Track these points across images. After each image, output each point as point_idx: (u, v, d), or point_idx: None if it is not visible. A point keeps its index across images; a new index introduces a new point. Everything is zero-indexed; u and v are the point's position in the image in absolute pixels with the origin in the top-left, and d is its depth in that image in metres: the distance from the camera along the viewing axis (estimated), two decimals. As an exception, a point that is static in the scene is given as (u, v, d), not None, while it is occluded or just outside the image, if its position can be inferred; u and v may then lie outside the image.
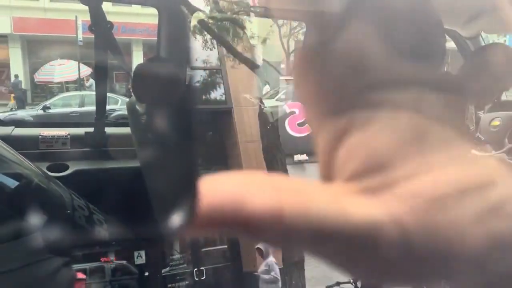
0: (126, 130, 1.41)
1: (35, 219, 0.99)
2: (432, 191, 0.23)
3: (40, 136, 1.52)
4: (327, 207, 0.21)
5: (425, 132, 0.26)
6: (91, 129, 1.56)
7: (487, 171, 0.25)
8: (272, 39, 10.45)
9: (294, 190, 0.22)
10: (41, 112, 8.22)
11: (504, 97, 2.79)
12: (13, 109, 9.81)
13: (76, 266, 0.92)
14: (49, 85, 11.93)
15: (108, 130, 1.58)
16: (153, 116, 0.71)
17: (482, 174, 0.25)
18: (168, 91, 0.66)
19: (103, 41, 1.40)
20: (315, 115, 0.28)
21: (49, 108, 8.40)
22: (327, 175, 0.26)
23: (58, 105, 8.64)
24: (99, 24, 1.37)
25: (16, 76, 11.33)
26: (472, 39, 1.29)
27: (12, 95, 10.95)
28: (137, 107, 0.86)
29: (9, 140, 1.41)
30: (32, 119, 7.48)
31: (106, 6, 1.62)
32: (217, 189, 0.21)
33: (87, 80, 10.88)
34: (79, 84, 10.87)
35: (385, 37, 0.31)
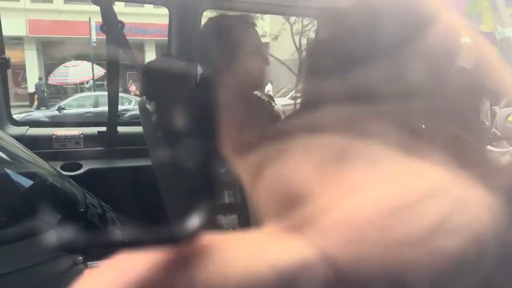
0: (139, 129, 1.42)
1: (48, 218, 1.00)
2: (356, 217, 0.21)
3: (54, 136, 1.54)
4: (249, 266, 0.19)
5: (346, 153, 0.24)
6: (103, 129, 1.57)
7: (425, 185, 0.23)
8: (284, 37, 10.42)
9: (211, 262, 0.19)
10: (56, 112, 8.36)
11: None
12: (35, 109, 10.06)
13: (91, 264, 0.93)
14: (64, 86, 12.09)
15: (121, 129, 1.59)
16: (162, 114, 0.72)
17: (417, 188, 0.22)
18: (175, 88, 0.66)
19: (114, 40, 1.40)
20: (237, 148, 0.27)
21: (64, 108, 8.53)
22: (255, 208, 0.25)
23: (73, 105, 8.77)
24: (111, 24, 1.38)
25: (40, 79, 11.60)
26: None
27: (36, 96, 11.18)
28: (148, 106, 0.86)
29: (24, 140, 1.43)
30: (47, 119, 7.60)
31: (118, 7, 1.62)
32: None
33: (87, 82, 11.10)
34: (93, 84, 11.01)
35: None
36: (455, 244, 0.21)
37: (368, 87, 0.30)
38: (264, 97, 1.17)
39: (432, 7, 0.31)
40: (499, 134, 1.94)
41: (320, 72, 0.32)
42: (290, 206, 0.23)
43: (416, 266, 0.21)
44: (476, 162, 0.31)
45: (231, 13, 1.75)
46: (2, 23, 1.47)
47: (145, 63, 0.65)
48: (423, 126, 0.30)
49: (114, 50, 1.46)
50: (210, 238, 0.20)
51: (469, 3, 3.36)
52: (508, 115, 2.45)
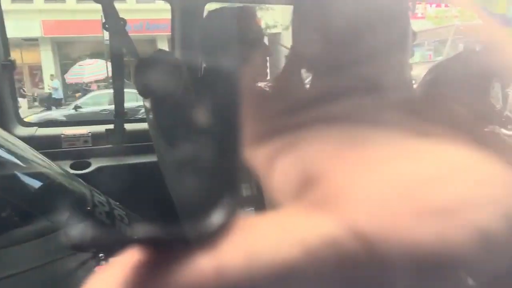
0: (146, 125, 1.42)
1: (56, 217, 1.01)
2: (382, 189, 0.20)
3: (62, 135, 1.56)
4: (276, 245, 0.19)
5: (361, 138, 0.24)
6: (111, 126, 1.58)
7: (448, 160, 0.22)
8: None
9: (234, 243, 0.19)
10: (73, 111, 8.49)
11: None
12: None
13: (102, 261, 0.94)
14: (80, 85, 12.26)
15: (128, 126, 1.60)
16: (155, 112, 0.71)
17: (440, 163, 0.22)
18: (171, 84, 0.64)
19: (117, 38, 1.41)
20: (249, 141, 0.27)
21: (80, 107, 8.66)
22: (272, 198, 0.25)
23: (89, 104, 8.89)
24: (112, 22, 1.38)
25: (52, 76, 11.77)
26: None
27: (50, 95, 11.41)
28: (145, 103, 0.86)
29: (34, 140, 1.45)
30: (65, 118, 7.74)
31: (130, 4, 1.62)
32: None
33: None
34: (107, 82, 11.13)
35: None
36: (485, 217, 0.21)
37: (376, 78, 0.30)
38: (268, 89, 1.15)
39: None
40: (513, 117, 1.89)
41: (329, 66, 0.33)
42: (309, 186, 0.22)
43: (449, 239, 0.20)
44: (490, 143, 0.30)
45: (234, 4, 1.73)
46: (17, 25, 1.49)
47: (137, 59, 0.65)
48: (433, 111, 0.30)
49: (118, 47, 1.46)
50: (235, 223, 0.19)
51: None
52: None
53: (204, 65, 1.30)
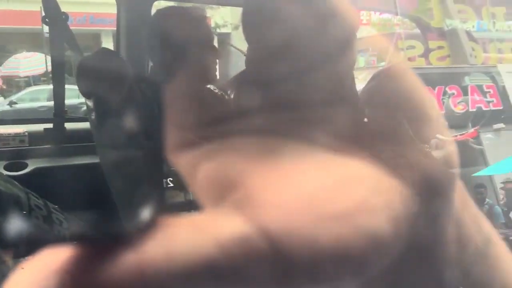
0: (87, 125, 1.37)
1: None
2: (287, 195, 0.23)
3: (-6, 135, 1.46)
4: (193, 242, 0.20)
5: (275, 150, 0.27)
6: (50, 125, 1.51)
7: (346, 172, 0.26)
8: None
9: (155, 241, 0.20)
10: (7, 107, 7.95)
11: (470, 81, 2.86)
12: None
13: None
14: (16, 79, 11.52)
15: (69, 125, 1.53)
16: (97, 112, 0.68)
17: (339, 174, 0.26)
18: (112, 86, 0.63)
19: (58, 33, 1.34)
20: (175, 146, 0.29)
21: (15, 103, 8.13)
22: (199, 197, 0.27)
23: (26, 100, 8.37)
24: (53, 16, 1.32)
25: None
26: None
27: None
28: (87, 102, 0.83)
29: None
30: (-2, 115, 7.24)
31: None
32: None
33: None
34: (47, 77, 10.56)
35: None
36: (375, 222, 0.24)
37: (302, 94, 0.32)
38: (217, 91, 1.15)
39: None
40: (447, 122, 2.02)
41: (256, 80, 0.34)
42: (227, 192, 0.25)
43: (344, 240, 0.23)
44: (404, 154, 0.34)
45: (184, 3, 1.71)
46: None
47: (80, 59, 0.62)
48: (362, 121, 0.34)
49: (59, 42, 1.40)
50: (157, 222, 0.21)
51: (420, 0, 3.47)
52: (456, 104, 2.56)
53: (150, 64, 1.28)
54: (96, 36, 11.83)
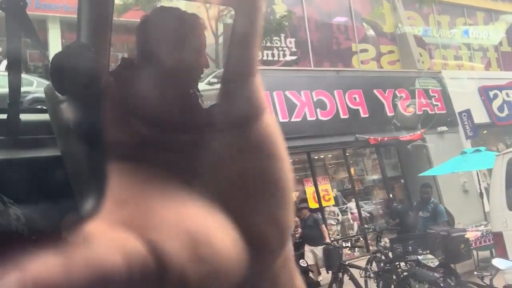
0: (45, 116, 1.32)
1: None
2: (167, 221, 0.28)
3: None
4: (80, 261, 0.23)
5: (145, 182, 0.31)
6: (4, 116, 1.43)
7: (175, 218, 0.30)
8: (200, 21, 10.20)
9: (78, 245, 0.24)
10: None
11: (418, 85, 3.02)
12: None
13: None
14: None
15: (24, 116, 1.46)
16: (73, 105, 0.68)
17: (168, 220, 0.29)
18: (87, 81, 0.63)
19: (15, 19, 1.29)
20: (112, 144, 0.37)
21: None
22: None
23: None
24: (11, 1, 1.26)
25: None
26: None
27: None
28: (57, 93, 0.81)
29: None
30: None
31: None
32: None
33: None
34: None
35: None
36: (201, 270, 0.28)
37: (159, 122, 0.37)
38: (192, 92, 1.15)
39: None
40: (399, 124, 2.15)
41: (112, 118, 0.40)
42: (119, 206, 0.29)
43: (205, 262, 0.27)
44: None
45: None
46: None
47: (55, 54, 0.61)
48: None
49: (16, 30, 1.34)
50: (84, 225, 0.25)
51: (373, 5, 3.61)
52: (407, 106, 2.70)
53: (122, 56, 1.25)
54: (42, 22, 11.20)
